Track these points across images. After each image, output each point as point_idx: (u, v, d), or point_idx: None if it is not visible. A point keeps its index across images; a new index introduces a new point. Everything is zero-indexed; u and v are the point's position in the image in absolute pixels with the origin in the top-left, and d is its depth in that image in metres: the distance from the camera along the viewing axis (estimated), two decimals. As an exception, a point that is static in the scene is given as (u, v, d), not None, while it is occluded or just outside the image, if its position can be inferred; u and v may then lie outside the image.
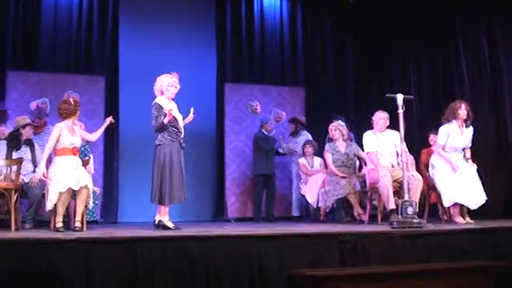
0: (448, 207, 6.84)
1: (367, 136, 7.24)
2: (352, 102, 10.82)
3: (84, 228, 6.08)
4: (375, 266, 4.94)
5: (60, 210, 5.88)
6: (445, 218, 7.05)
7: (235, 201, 9.64)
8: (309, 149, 8.85)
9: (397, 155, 7.08)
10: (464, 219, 6.69)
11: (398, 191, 6.72)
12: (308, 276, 4.48)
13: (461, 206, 6.71)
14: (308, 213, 8.90)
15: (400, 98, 6.28)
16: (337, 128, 8.05)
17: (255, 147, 9.16)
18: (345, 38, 11.06)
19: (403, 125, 6.31)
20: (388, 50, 10.67)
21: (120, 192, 9.30)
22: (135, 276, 4.40)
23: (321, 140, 8.85)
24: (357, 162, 8.25)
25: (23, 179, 6.47)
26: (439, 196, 6.91)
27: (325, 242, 5.01)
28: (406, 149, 6.52)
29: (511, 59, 8.49)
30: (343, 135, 8.07)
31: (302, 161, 8.86)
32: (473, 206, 6.66)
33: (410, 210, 5.90)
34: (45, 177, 6.00)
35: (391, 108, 6.59)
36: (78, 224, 5.93)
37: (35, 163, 6.82)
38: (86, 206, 6.13)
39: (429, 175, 7.17)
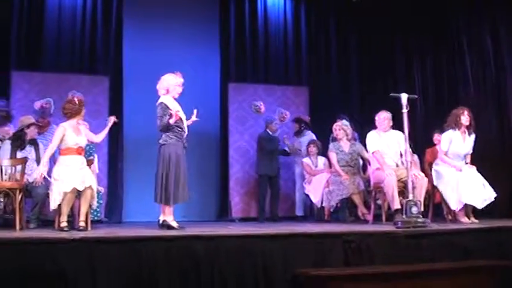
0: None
1: (371, 136, 7.24)
2: (356, 102, 10.80)
3: (89, 228, 6.09)
4: (379, 266, 4.94)
5: (65, 210, 5.90)
6: (450, 217, 7.03)
7: (239, 201, 9.64)
8: (313, 149, 8.84)
9: (401, 155, 7.09)
10: (469, 218, 6.69)
11: (402, 191, 6.72)
12: (312, 276, 4.48)
13: (466, 205, 6.70)
14: (312, 212, 8.88)
15: (404, 97, 6.28)
16: (342, 128, 8.03)
17: (258, 148, 9.15)
18: (348, 37, 11.05)
19: (408, 125, 6.30)
20: (392, 49, 10.64)
21: (125, 192, 9.30)
22: (139, 276, 4.41)
23: (324, 140, 8.84)
24: (361, 162, 8.23)
25: (27, 179, 6.47)
26: (443, 197, 6.91)
27: (329, 241, 5.02)
28: (410, 149, 6.52)
29: (516, 58, 8.49)
30: (347, 135, 8.05)
31: (306, 160, 8.86)
32: (480, 205, 6.65)
33: (414, 209, 5.90)
34: (44, 177, 6.02)
35: (395, 107, 6.59)
36: (82, 224, 5.93)
37: (39, 163, 6.82)
38: (90, 206, 6.15)
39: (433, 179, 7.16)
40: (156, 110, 6.21)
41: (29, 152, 6.86)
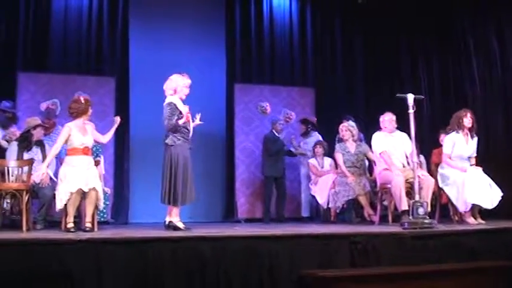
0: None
1: (377, 137, 7.24)
2: (362, 103, 10.78)
3: (95, 229, 6.09)
4: (386, 267, 4.93)
5: (71, 211, 5.90)
6: (456, 218, 7.01)
7: (245, 202, 9.64)
8: (319, 150, 8.84)
9: (406, 156, 7.10)
10: (475, 219, 6.67)
11: (409, 192, 6.71)
12: (319, 277, 4.48)
13: (473, 206, 6.68)
14: (318, 213, 8.88)
15: (410, 97, 6.27)
16: (348, 129, 8.01)
17: (264, 149, 9.15)
18: (354, 38, 11.04)
19: (414, 125, 6.28)
20: (397, 50, 10.64)
21: (131, 192, 9.32)
22: (145, 277, 4.42)
23: (330, 141, 8.84)
24: (367, 163, 8.22)
25: (33, 180, 6.49)
26: (450, 199, 6.89)
27: (335, 242, 5.01)
28: (415, 150, 6.51)
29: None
30: (353, 136, 8.04)
31: (312, 161, 8.85)
32: (489, 206, 6.63)
33: (421, 210, 5.89)
34: (51, 178, 6.03)
35: (401, 108, 6.58)
36: (88, 225, 5.93)
37: (46, 164, 6.86)
38: (96, 207, 6.15)
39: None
40: (164, 110, 6.19)
41: (36, 153, 6.88)
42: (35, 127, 6.95)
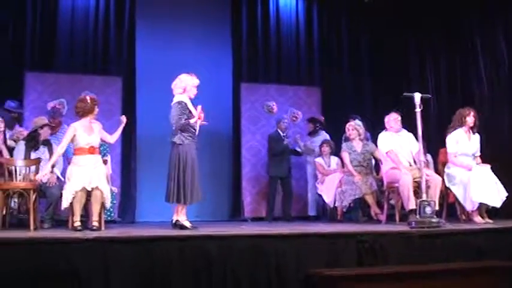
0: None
1: (383, 136, 7.24)
2: (369, 102, 10.77)
3: (102, 228, 6.11)
4: (393, 266, 4.92)
5: (77, 209, 5.92)
6: (464, 217, 6.99)
7: (252, 201, 9.65)
8: (326, 149, 8.84)
9: (413, 156, 7.09)
10: (483, 218, 6.65)
11: (416, 191, 6.69)
12: (326, 276, 4.46)
13: (480, 205, 6.66)
14: (325, 212, 8.86)
15: (417, 96, 6.26)
16: (355, 128, 8.00)
17: (268, 148, 9.15)
18: (360, 37, 11.03)
19: (421, 124, 6.27)
20: (404, 50, 10.59)
21: (138, 191, 9.33)
22: (152, 275, 4.43)
23: (337, 140, 8.83)
24: (373, 162, 8.21)
25: (41, 179, 6.51)
26: (457, 199, 6.87)
27: (342, 241, 5.01)
28: (422, 149, 6.50)
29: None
30: (360, 135, 8.02)
31: (319, 160, 8.85)
32: (497, 204, 6.61)
33: (428, 209, 5.87)
34: (58, 178, 6.05)
35: (408, 107, 6.56)
36: (95, 224, 5.95)
37: (53, 163, 6.88)
38: (103, 206, 6.16)
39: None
40: (173, 108, 6.19)
41: (43, 152, 6.90)
42: (42, 127, 6.97)
